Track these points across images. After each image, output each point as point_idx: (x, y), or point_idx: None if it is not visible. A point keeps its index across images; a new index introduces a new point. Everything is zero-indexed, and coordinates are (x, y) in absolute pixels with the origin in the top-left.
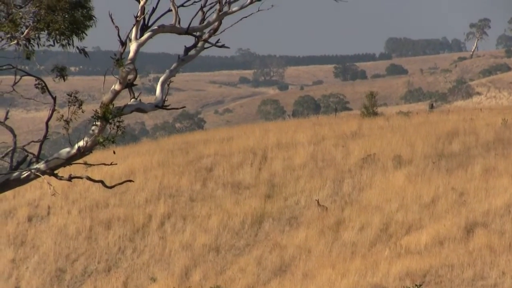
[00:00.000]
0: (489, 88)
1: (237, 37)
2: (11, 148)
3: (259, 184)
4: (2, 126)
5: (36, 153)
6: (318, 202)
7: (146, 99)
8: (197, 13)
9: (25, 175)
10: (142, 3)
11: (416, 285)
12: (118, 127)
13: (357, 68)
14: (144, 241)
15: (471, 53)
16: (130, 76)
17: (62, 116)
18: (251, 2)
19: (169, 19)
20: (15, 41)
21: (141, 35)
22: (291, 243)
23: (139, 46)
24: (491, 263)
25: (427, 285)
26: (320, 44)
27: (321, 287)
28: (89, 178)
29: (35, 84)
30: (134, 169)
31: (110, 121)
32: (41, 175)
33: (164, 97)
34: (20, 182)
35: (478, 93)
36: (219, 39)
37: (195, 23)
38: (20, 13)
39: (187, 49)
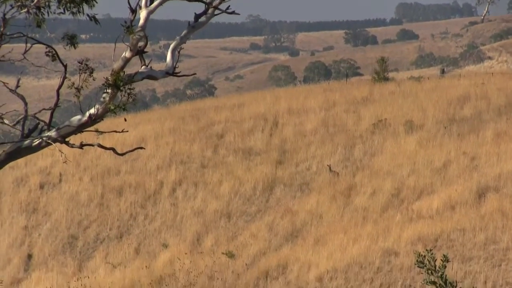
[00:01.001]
0: (500, 52)
1: (248, 3)
2: (23, 116)
3: (270, 150)
4: (13, 94)
5: (47, 120)
6: (329, 167)
7: (157, 66)
8: None
9: (36, 142)
10: None
11: (427, 250)
12: (129, 94)
13: (367, 33)
14: (156, 207)
15: (482, 17)
16: (141, 43)
17: (73, 83)
18: None
19: None
20: (26, 9)
21: (151, 2)
22: (302, 209)
23: (149, 13)
24: (503, 227)
25: (438, 249)
26: (331, 9)
27: (332, 252)
28: (100, 146)
29: (46, 52)
30: (145, 136)
31: (121, 88)
32: (52, 142)
33: (174, 64)
34: (32, 150)
35: (490, 58)
36: (229, 6)
37: None
38: None
39: (198, 16)
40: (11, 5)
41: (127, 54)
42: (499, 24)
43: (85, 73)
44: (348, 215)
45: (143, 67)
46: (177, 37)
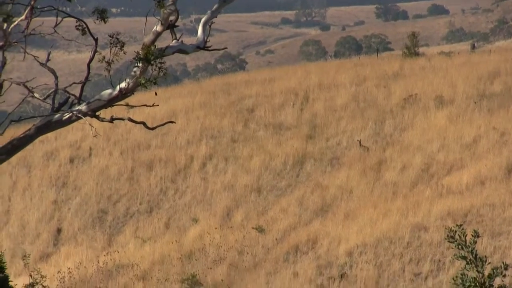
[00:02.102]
0: None
1: None
2: (53, 89)
3: (301, 125)
4: (44, 67)
5: (77, 94)
6: (360, 142)
7: (188, 40)
8: None
9: (66, 116)
10: None
11: (457, 225)
12: (159, 68)
13: (398, 8)
14: (186, 182)
15: None
16: (172, 17)
17: (104, 57)
18: None
19: None
20: None
21: None
22: (332, 184)
23: None
24: None
25: (468, 224)
26: None
27: (362, 227)
28: (131, 120)
29: (76, 26)
30: (176, 111)
31: (152, 62)
32: (82, 116)
33: (205, 38)
34: (62, 123)
35: None
36: None
37: None
38: None
39: None
40: None
41: (158, 28)
42: None
43: (116, 47)
44: (378, 190)
45: (174, 41)
46: (208, 11)
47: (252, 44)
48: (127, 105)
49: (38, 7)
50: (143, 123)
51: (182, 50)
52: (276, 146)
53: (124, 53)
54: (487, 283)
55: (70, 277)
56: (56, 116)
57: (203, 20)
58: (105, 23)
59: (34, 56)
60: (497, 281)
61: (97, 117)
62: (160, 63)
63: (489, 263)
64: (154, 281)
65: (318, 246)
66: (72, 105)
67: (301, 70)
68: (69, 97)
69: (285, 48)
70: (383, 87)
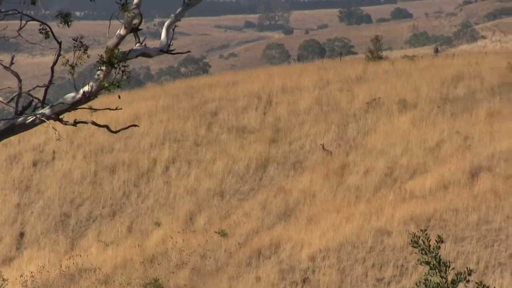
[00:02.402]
0: (494, 31)
1: None
2: (16, 93)
3: (264, 129)
4: (7, 71)
5: (41, 98)
6: (323, 146)
7: (151, 43)
8: None
9: (30, 120)
10: None
11: (421, 230)
12: (123, 71)
13: (362, 12)
14: (149, 185)
15: None
16: (135, 21)
17: (68, 61)
18: None
19: None
20: None
21: None
22: (295, 188)
23: None
24: (496, 207)
25: (431, 229)
26: None
27: (325, 231)
28: (94, 123)
29: (40, 29)
30: (139, 114)
31: (115, 65)
32: (46, 120)
33: (169, 41)
34: (25, 127)
35: (483, 37)
36: None
37: None
38: None
39: None
40: None
41: (122, 31)
42: (493, 3)
43: (79, 50)
44: (341, 194)
45: (137, 44)
46: (172, 15)
47: (215, 48)
48: (90, 108)
49: (2, 10)
50: (107, 127)
51: (145, 53)
52: (239, 150)
53: (88, 57)
54: None
55: (33, 281)
56: (20, 119)
57: (166, 23)
58: (68, 26)
59: None
60: (461, 286)
61: (61, 121)
62: (124, 66)
63: (453, 268)
64: (116, 285)
65: (280, 251)
66: (36, 108)
67: (264, 74)
68: (32, 101)
69: (248, 51)
70: (346, 90)
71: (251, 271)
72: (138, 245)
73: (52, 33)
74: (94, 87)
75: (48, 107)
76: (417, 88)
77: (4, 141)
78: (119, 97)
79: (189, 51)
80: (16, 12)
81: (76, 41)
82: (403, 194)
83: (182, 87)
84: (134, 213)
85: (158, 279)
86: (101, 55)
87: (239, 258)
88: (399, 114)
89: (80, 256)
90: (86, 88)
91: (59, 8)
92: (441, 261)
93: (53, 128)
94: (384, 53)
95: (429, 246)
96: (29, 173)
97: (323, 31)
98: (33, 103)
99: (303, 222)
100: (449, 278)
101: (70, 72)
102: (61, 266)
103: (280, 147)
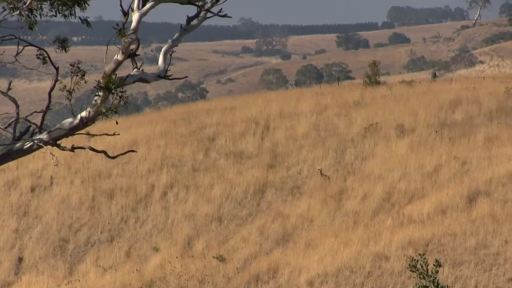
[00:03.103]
0: (492, 56)
1: (240, 6)
2: (14, 118)
3: (262, 154)
4: (5, 96)
5: (39, 123)
6: (320, 171)
7: (149, 69)
8: None
9: (28, 145)
10: None
11: (419, 254)
12: (120, 97)
13: (359, 37)
14: (147, 211)
15: (474, 21)
16: (133, 46)
17: (65, 86)
18: None
19: None
20: (18, 12)
21: (143, 5)
22: (293, 213)
23: (142, 16)
24: (494, 232)
25: (429, 254)
26: (323, 13)
27: (323, 256)
28: (91, 149)
29: (37, 55)
30: (136, 139)
31: (113, 91)
32: (43, 145)
33: (166, 67)
34: (23, 152)
35: (481, 62)
36: (221, 9)
37: None
38: None
39: (190, 19)
40: (3, 8)
41: (119, 57)
42: (491, 28)
43: (76, 75)
44: (339, 219)
45: (134, 70)
46: (169, 40)
47: (213, 73)
48: (88, 133)
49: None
50: (104, 152)
51: (143, 79)
52: (237, 175)
53: (85, 82)
54: None
55: None
56: (17, 145)
57: (164, 49)
58: (66, 52)
59: None
60: None
61: (58, 146)
62: (121, 91)
63: None
64: None
65: (279, 276)
66: (33, 134)
67: (262, 99)
68: (30, 126)
69: (246, 76)
70: (344, 116)
71: None
72: (137, 270)
73: (49, 58)
74: (92, 113)
75: (45, 132)
76: (415, 113)
77: (2, 166)
78: (117, 122)
79: (187, 76)
80: (14, 37)
81: (74, 66)
82: (401, 218)
83: (180, 113)
84: (132, 238)
85: None
86: (99, 80)
87: (238, 283)
88: (397, 139)
89: (79, 281)
90: (84, 114)
91: (56, 34)
92: (439, 285)
93: (51, 153)
94: (382, 78)
95: (427, 270)
96: (27, 198)
97: (321, 56)
98: (31, 129)
99: (301, 247)
100: None
101: (68, 98)
102: None
103: (278, 172)
